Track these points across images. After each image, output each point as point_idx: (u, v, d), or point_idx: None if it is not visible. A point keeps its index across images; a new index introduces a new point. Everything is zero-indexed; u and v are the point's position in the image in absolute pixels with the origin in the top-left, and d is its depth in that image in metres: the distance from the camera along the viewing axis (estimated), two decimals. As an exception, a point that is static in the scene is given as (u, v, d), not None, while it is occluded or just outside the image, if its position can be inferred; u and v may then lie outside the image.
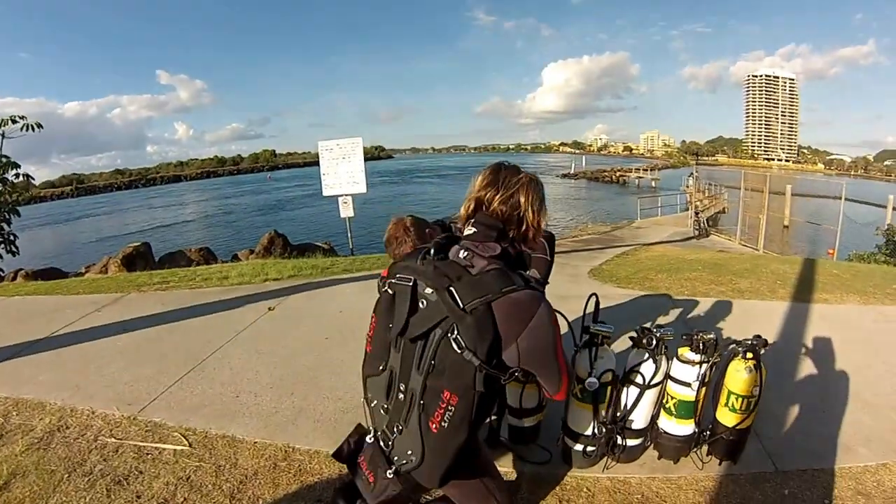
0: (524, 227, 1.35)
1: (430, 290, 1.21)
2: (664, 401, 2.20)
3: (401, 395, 1.27)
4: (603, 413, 2.10)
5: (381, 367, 1.33)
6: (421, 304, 1.23)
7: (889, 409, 2.69)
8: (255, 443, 2.43)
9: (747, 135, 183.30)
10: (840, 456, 2.32)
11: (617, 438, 2.16)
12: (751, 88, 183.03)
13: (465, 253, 1.27)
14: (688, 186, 28.49)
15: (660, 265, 6.42)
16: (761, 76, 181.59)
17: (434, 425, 1.22)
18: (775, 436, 2.45)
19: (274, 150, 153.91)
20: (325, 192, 8.80)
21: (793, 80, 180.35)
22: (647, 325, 2.20)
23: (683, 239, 13.73)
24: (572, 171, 60.54)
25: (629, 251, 8.60)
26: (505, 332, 1.19)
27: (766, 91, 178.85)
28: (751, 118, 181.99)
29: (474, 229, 1.30)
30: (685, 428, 2.20)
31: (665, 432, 2.23)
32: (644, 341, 2.10)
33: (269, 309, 4.30)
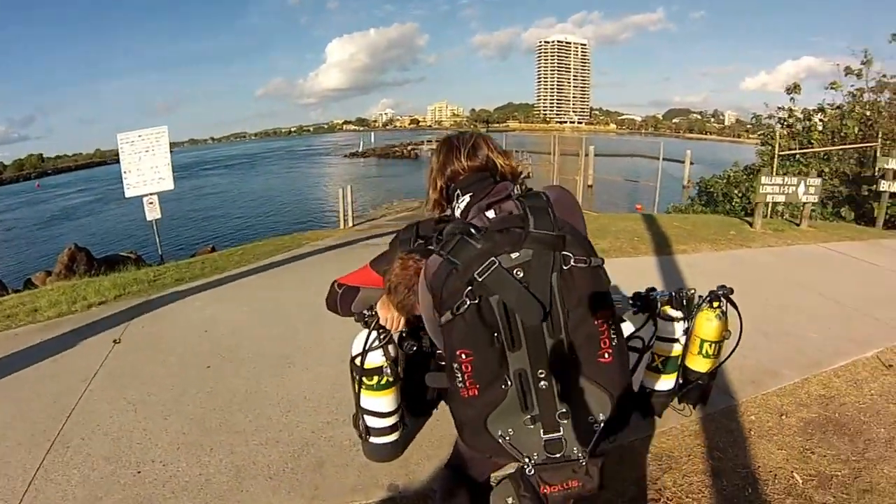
0: (499, 171, 1.43)
1: (517, 254, 1.15)
2: (650, 361, 2.42)
3: (543, 384, 1.18)
4: None
5: (503, 387, 1.20)
6: (518, 275, 1.14)
7: (783, 335, 3.43)
8: (203, 530, 1.96)
9: (539, 99, 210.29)
10: (773, 380, 2.93)
11: None
12: (543, 54, 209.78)
13: (491, 210, 1.27)
14: None
15: None
16: (553, 42, 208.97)
17: (607, 354, 1.18)
18: (718, 376, 2.89)
19: (41, 155, 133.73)
20: (129, 193, 7.67)
21: (584, 45, 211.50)
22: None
23: None
24: (361, 150, 61.84)
25: None
26: (578, 221, 1.29)
27: (559, 56, 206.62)
28: (543, 83, 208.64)
29: (471, 191, 1.34)
30: (670, 382, 2.45)
31: (653, 390, 2.46)
32: (646, 305, 2.27)
33: (115, 342, 3.49)
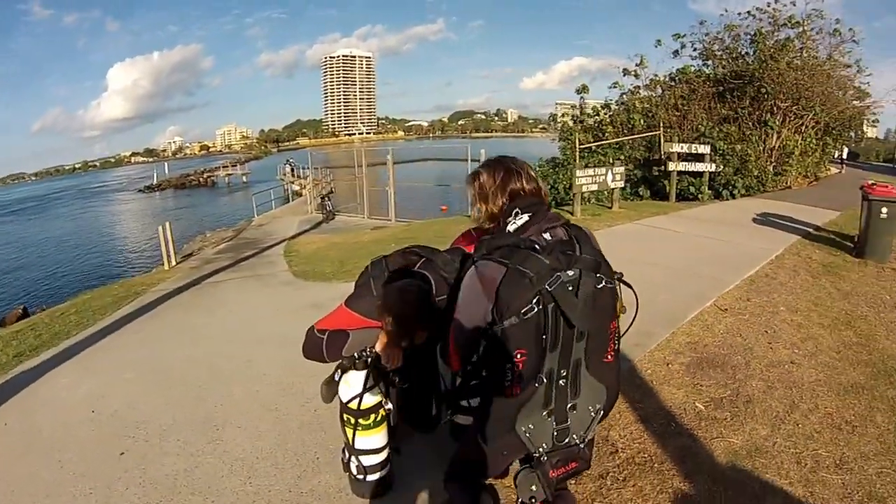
0: (544, 198, 1.73)
1: (571, 272, 1.40)
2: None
3: (562, 382, 1.47)
4: None
5: (535, 385, 1.45)
6: (569, 289, 1.40)
7: (643, 303, 4.22)
8: None
9: (326, 114, 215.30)
10: (651, 339, 3.67)
11: None
12: (328, 70, 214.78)
13: (547, 233, 1.54)
14: (285, 174, 31.57)
15: (354, 252, 7.52)
16: (339, 57, 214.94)
17: (610, 355, 1.50)
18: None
19: None
20: None
21: (369, 57, 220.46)
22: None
23: (316, 225, 15.24)
24: (155, 182, 57.64)
25: (292, 248, 9.52)
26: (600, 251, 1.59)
27: (345, 70, 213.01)
28: (330, 98, 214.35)
29: (531, 212, 1.57)
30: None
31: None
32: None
33: None
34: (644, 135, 12.73)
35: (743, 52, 13.67)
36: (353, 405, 1.95)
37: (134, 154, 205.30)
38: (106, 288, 7.44)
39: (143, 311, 5.34)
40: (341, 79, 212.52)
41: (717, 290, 4.57)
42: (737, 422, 2.60)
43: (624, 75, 14.19)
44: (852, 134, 17.14)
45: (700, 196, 11.25)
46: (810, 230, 7.09)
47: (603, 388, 1.51)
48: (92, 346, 4.41)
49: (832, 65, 13.59)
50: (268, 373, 3.49)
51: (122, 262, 20.75)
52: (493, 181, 1.65)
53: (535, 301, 1.37)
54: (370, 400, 1.94)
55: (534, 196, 1.64)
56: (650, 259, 5.76)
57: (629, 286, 2.74)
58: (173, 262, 9.26)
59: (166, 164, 79.78)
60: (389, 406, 2.01)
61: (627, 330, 2.70)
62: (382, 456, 2.11)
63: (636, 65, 13.97)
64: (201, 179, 55.16)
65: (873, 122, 16.70)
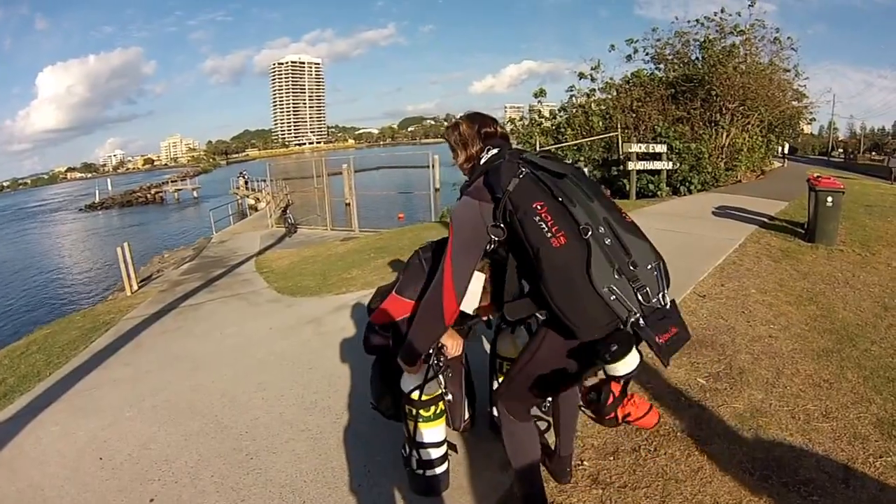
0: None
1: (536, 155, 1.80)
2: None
3: (608, 241, 1.58)
4: None
5: (584, 236, 1.54)
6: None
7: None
8: None
9: (276, 123, 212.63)
10: None
11: None
12: (277, 77, 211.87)
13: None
14: (239, 188, 31.44)
15: (333, 265, 7.70)
16: (287, 63, 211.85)
17: (627, 216, 1.72)
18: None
19: None
20: None
21: (318, 64, 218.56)
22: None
23: (280, 239, 15.33)
24: (97, 200, 55.35)
25: (263, 264, 9.56)
26: None
27: (293, 77, 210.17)
28: (278, 106, 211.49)
29: (498, 146, 1.87)
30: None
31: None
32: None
33: None
34: (603, 136, 13.45)
35: (693, 58, 14.82)
36: (415, 395, 2.01)
37: (70, 169, 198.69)
38: (66, 320, 7.02)
39: (124, 342, 5.07)
40: (290, 86, 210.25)
41: (694, 278, 5.06)
42: (735, 390, 3.03)
43: (580, 79, 14.94)
44: (791, 131, 18.75)
45: (659, 193, 12.00)
46: (765, 220, 7.81)
47: (646, 245, 1.63)
48: (77, 386, 4.08)
49: (773, 69, 15.08)
50: (285, 393, 3.46)
51: (74, 289, 19.92)
52: (471, 128, 1.93)
53: (520, 167, 1.67)
54: (429, 391, 2.02)
55: (503, 138, 1.96)
56: (625, 255, 6.19)
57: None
58: (135, 287, 9.02)
59: (108, 179, 76.86)
60: (450, 396, 2.12)
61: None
62: (443, 450, 2.17)
63: (591, 68, 14.71)
64: (148, 196, 53.73)
65: (810, 120, 18.75)
